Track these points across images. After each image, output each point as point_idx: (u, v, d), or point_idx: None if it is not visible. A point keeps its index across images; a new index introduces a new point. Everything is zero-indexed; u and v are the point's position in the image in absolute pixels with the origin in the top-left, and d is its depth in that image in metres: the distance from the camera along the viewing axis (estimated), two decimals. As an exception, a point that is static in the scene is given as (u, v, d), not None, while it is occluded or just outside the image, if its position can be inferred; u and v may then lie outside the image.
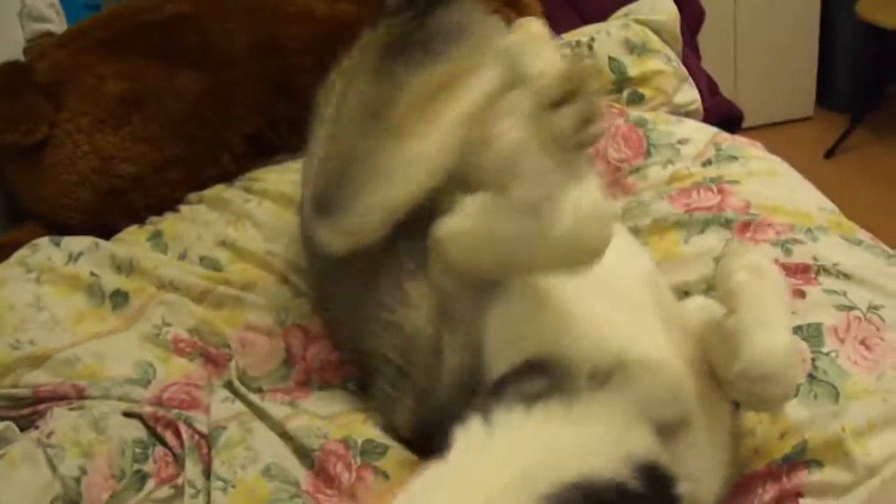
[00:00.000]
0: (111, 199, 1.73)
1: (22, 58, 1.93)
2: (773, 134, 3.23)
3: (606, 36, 1.79)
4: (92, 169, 1.72)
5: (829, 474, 0.97)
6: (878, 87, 3.79)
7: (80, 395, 1.34)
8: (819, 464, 0.99)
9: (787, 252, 1.25)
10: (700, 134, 1.59)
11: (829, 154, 3.55)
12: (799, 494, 0.98)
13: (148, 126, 1.74)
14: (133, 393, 1.35)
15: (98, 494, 1.19)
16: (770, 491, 1.00)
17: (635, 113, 1.67)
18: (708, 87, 2.03)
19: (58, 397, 1.34)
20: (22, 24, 2.07)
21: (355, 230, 1.17)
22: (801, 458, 1.00)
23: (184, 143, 1.77)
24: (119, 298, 1.49)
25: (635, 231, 1.37)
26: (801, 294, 1.18)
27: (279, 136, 1.83)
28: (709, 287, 1.24)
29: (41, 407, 1.34)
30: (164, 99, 1.76)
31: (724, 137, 1.57)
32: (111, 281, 1.51)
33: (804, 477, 0.98)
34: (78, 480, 1.19)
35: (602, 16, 1.94)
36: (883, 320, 1.12)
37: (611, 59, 1.76)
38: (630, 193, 1.49)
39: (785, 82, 3.80)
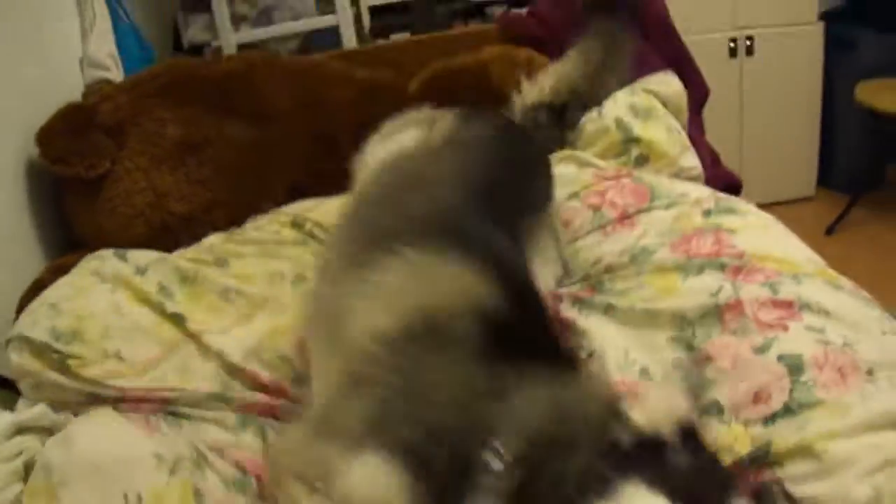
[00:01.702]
0: (162, 235, 1.87)
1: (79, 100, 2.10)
2: (777, 212, 3.25)
3: (613, 102, 1.95)
4: (147, 204, 1.88)
5: (796, 468, 1.10)
6: (877, 168, 3.97)
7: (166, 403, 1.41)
8: (781, 465, 1.11)
9: (774, 291, 1.37)
10: (700, 191, 1.74)
11: (829, 231, 3.70)
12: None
13: (201, 169, 1.92)
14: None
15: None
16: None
17: (640, 174, 1.82)
18: (711, 159, 2.19)
19: (143, 401, 1.40)
20: (83, 70, 2.27)
21: None
22: (765, 460, 1.12)
23: (231, 187, 1.94)
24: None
25: (639, 273, 1.51)
26: (784, 327, 1.30)
27: (320, 187, 1.98)
28: (704, 313, 1.37)
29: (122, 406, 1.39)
30: (217, 146, 1.94)
31: (723, 196, 1.72)
32: (178, 294, 1.60)
33: (770, 475, 1.11)
34: None
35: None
36: (857, 353, 1.22)
37: (617, 119, 1.91)
38: (635, 230, 1.63)
39: (788, 164, 3.98)
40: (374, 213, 1.47)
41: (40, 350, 1.42)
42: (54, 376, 1.41)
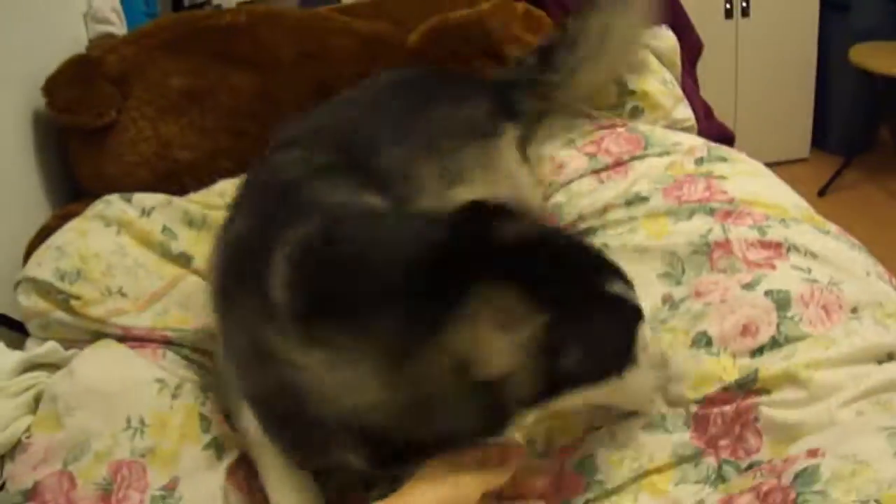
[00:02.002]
0: (167, 181, 1.91)
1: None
2: None
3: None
4: (153, 153, 1.92)
5: (782, 395, 1.14)
6: (870, 130, 4.00)
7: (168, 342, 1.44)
8: (768, 392, 1.15)
9: (762, 233, 1.42)
10: (693, 140, 1.79)
11: (822, 192, 3.74)
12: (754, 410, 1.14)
13: (205, 118, 1.96)
14: None
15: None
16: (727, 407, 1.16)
17: (635, 124, 1.87)
18: (704, 112, 2.23)
19: (146, 340, 1.43)
20: (86, 24, 2.31)
21: None
22: (752, 387, 1.16)
23: (235, 135, 1.98)
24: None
25: (632, 217, 1.56)
26: (772, 266, 1.35)
27: (322, 136, 2.04)
28: (693, 251, 1.42)
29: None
30: (220, 95, 1.97)
31: (714, 145, 1.77)
32: (184, 237, 1.63)
33: (756, 399, 1.15)
34: None
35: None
36: (842, 292, 1.27)
37: (613, 73, 1.94)
38: (629, 176, 1.68)
39: (782, 125, 4.01)
40: None
41: (46, 290, 1.45)
42: (60, 316, 1.44)
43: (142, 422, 1.20)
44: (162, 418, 1.22)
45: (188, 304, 1.49)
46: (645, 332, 1.05)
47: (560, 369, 0.91)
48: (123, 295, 1.48)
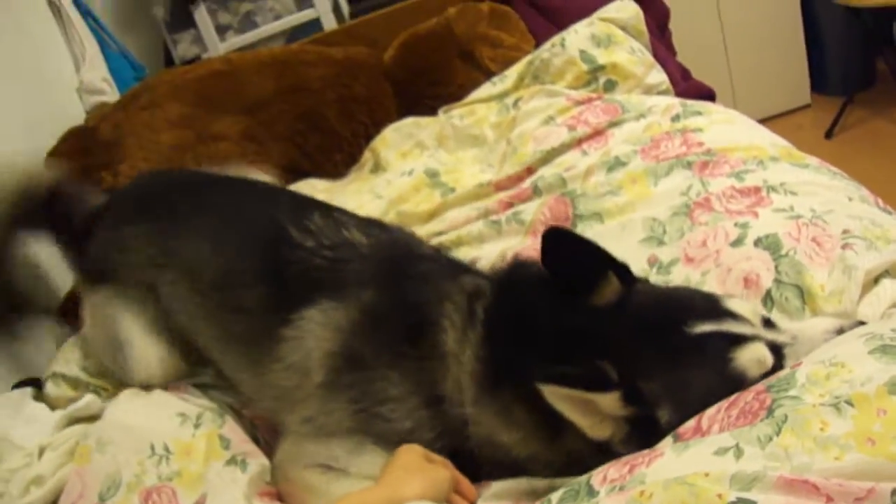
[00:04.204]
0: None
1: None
2: (777, 124, 3.33)
3: (575, 34, 2.03)
4: (153, 207, 1.99)
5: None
6: (867, 66, 3.97)
7: None
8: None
9: (740, 179, 1.44)
10: (669, 100, 1.82)
11: (828, 134, 3.72)
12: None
13: (197, 165, 2.01)
14: None
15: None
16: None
17: (611, 95, 1.91)
18: (681, 74, 2.26)
19: None
20: (81, 98, 2.39)
21: None
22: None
23: (230, 178, 2.04)
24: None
25: (611, 182, 1.59)
26: (754, 214, 1.36)
27: (311, 163, 2.11)
28: (675, 213, 1.44)
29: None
30: (210, 142, 2.05)
31: (690, 101, 1.79)
32: None
33: None
34: None
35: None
36: (826, 223, 1.28)
37: (581, 51, 2.00)
38: (607, 143, 1.71)
39: (779, 76, 3.97)
40: None
41: (75, 384, 1.56)
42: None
43: (166, 449, 1.27)
44: (186, 445, 1.28)
45: None
46: (757, 349, 1.02)
47: (664, 425, 1.00)
48: None
